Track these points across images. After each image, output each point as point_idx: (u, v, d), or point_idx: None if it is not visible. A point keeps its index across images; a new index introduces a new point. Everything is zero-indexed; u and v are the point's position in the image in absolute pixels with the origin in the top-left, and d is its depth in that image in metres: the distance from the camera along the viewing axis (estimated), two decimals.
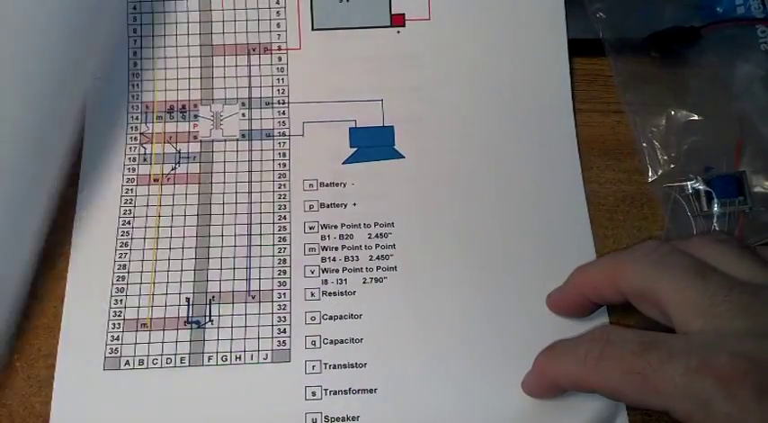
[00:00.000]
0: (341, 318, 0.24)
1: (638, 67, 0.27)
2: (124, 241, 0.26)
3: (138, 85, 0.28)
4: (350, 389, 0.23)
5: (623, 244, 0.26)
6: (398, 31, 0.28)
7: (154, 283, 0.25)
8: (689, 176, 0.26)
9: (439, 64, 0.27)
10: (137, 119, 0.27)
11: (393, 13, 0.28)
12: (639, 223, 0.26)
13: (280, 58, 0.28)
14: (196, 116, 0.27)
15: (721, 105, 0.26)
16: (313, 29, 0.28)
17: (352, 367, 0.24)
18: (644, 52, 0.27)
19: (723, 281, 0.19)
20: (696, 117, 0.26)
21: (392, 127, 0.27)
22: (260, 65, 0.28)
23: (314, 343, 0.24)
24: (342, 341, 0.24)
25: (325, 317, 0.24)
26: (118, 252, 0.25)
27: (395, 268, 0.25)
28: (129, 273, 0.25)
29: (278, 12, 0.28)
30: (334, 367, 0.24)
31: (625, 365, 0.19)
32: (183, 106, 0.27)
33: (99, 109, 0.27)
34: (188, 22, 0.28)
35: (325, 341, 0.24)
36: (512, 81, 0.27)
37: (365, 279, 0.25)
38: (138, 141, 0.27)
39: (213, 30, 0.28)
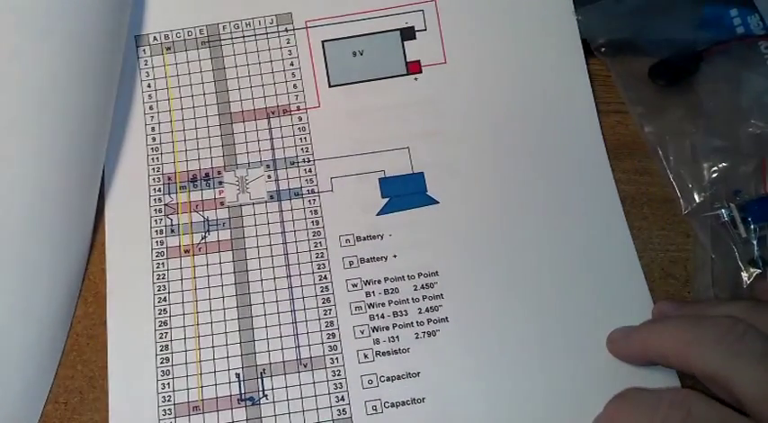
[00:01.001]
0: (399, 378, 0.24)
1: (651, 98, 0.27)
2: (163, 320, 0.25)
3: (157, 158, 0.27)
4: None
5: None
6: (416, 78, 0.28)
7: (200, 361, 0.24)
8: (723, 204, 0.25)
9: (461, 105, 0.27)
10: (159, 190, 0.27)
11: (408, 60, 0.28)
12: (639, 223, 0.26)
13: (300, 118, 0.28)
14: (221, 182, 0.27)
15: (738, 126, 0.26)
16: (330, 85, 0.28)
17: None
18: (652, 82, 0.27)
19: None
20: (718, 141, 0.26)
21: (422, 173, 0.26)
22: (281, 126, 0.27)
23: (375, 408, 0.23)
24: (404, 403, 0.23)
25: (382, 378, 0.24)
26: (158, 332, 0.25)
27: (446, 319, 0.24)
28: (172, 353, 0.24)
29: (293, 73, 0.28)
30: None
31: None
32: (207, 174, 0.27)
33: (119, 186, 0.27)
34: (204, 94, 0.28)
35: (387, 405, 0.23)
36: (535, 111, 0.27)
37: (417, 334, 0.24)
38: (162, 213, 0.27)
39: (230, 98, 0.28)
